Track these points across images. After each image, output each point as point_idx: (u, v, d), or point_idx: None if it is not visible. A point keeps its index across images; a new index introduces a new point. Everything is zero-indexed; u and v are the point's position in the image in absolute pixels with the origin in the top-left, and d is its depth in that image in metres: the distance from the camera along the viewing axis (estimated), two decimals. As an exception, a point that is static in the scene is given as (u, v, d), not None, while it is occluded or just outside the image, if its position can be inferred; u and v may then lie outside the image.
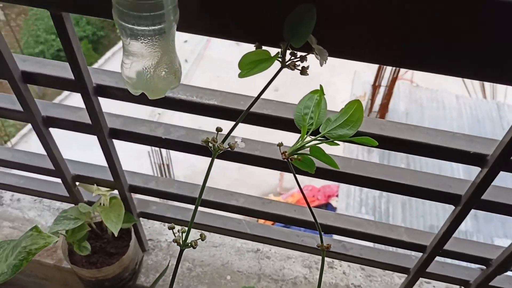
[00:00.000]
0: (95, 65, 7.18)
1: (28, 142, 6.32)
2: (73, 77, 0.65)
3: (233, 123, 0.57)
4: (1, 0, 0.55)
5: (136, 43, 0.48)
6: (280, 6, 0.48)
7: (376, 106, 5.32)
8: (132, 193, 0.90)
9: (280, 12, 0.49)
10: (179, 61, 0.53)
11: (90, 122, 0.73)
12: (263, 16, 0.50)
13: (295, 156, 0.56)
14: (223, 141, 0.53)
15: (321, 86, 0.59)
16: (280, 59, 0.50)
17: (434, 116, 5.31)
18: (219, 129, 0.55)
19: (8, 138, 6.45)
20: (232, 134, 0.75)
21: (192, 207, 0.91)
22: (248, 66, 0.48)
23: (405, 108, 5.36)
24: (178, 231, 0.57)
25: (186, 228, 0.57)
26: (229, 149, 0.53)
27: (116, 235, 0.84)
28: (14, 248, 0.64)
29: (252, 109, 0.65)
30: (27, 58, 0.69)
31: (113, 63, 7.35)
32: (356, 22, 0.48)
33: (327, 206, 5.14)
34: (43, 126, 0.76)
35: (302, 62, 0.50)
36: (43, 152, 0.83)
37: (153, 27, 0.46)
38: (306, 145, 0.56)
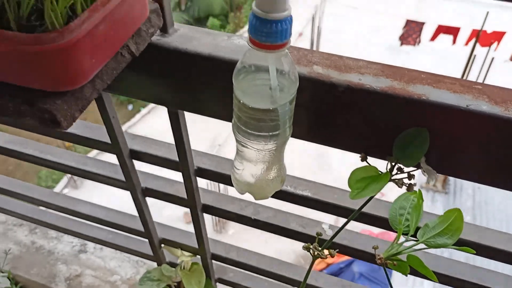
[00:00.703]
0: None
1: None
2: (177, 159, 0.70)
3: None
4: (134, 96, 0.60)
5: (250, 151, 0.51)
6: (391, 123, 0.50)
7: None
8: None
9: (389, 128, 0.50)
10: (285, 167, 0.55)
11: (185, 197, 0.77)
12: (371, 130, 0.51)
13: (390, 261, 0.56)
14: (325, 247, 0.54)
15: (419, 190, 0.59)
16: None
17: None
18: (319, 234, 0.56)
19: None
20: (316, 218, 0.76)
21: (269, 280, 0.93)
22: (358, 185, 0.49)
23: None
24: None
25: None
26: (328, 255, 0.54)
27: (196, 303, 0.86)
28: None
29: (347, 205, 0.66)
30: (136, 136, 0.75)
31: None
32: (469, 148, 0.48)
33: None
34: (141, 195, 0.81)
35: (409, 179, 0.51)
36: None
37: (269, 143, 0.48)
38: (403, 251, 0.56)
